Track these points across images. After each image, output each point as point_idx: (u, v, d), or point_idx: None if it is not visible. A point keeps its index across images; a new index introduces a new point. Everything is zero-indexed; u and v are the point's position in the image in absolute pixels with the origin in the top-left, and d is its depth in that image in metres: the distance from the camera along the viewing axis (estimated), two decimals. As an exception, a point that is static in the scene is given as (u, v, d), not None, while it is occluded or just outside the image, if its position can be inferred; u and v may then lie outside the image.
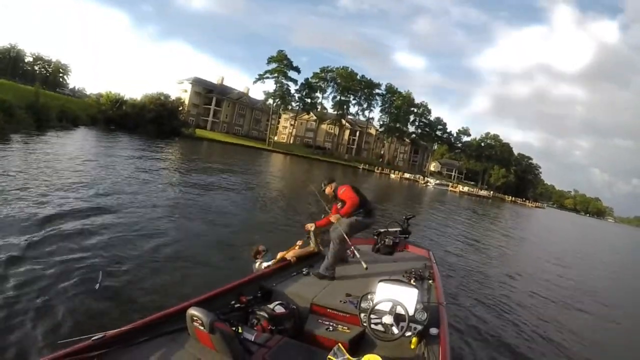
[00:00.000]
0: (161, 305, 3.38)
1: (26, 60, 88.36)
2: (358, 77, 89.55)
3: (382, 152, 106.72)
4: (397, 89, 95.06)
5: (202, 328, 2.27)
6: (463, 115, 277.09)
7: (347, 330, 3.17)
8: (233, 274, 4.72)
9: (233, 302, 3.30)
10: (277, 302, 3.40)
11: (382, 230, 5.70)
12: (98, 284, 4.71)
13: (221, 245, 7.73)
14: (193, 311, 2.32)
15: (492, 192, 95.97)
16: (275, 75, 79.26)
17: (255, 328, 3.02)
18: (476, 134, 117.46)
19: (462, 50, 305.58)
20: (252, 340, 2.62)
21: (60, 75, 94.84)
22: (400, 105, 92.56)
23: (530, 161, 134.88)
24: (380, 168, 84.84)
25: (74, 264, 5.35)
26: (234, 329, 2.48)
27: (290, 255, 4.74)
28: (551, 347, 5.48)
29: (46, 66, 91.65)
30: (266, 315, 3.16)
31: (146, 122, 43.10)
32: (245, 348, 2.42)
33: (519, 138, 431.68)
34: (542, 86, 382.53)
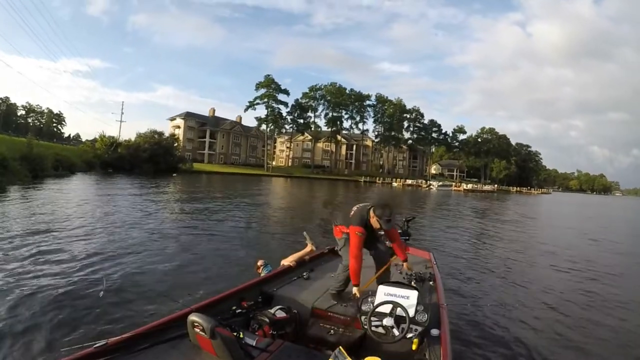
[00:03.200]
0: (163, 312, 3.51)
1: (19, 114, 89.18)
2: (347, 91, 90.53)
3: (381, 163, 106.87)
4: (387, 97, 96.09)
5: (203, 334, 2.27)
6: (455, 114, 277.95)
7: (348, 334, 3.18)
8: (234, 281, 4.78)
9: (234, 307, 3.30)
10: (278, 307, 3.40)
11: (381, 233, 5.55)
12: (102, 292, 4.90)
13: (224, 259, 7.84)
14: (194, 317, 2.33)
15: (496, 185, 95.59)
16: (265, 100, 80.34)
17: (257, 333, 2.97)
18: (471, 130, 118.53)
19: (445, 50, 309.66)
20: (254, 345, 2.58)
21: (54, 124, 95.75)
22: (392, 113, 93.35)
23: (529, 149, 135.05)
24: (381, 178, 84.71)
25: (79, 277, 5.67)
26: (235, 334, 2.45)
27: (290, 260, 4.69)
28: (555, 345, 5.28)
29: (39, 117, 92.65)
30: (267, 320, 3.13)
31: (142, 161, 43.31)
32: (247, 353, 2.39)
33: (514, 128, 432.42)
34: (528, 73, 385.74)
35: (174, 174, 44.88)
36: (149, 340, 2.55)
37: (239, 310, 3.28)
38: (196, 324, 2.32)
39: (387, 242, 5.60)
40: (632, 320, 6.63)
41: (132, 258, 7.23)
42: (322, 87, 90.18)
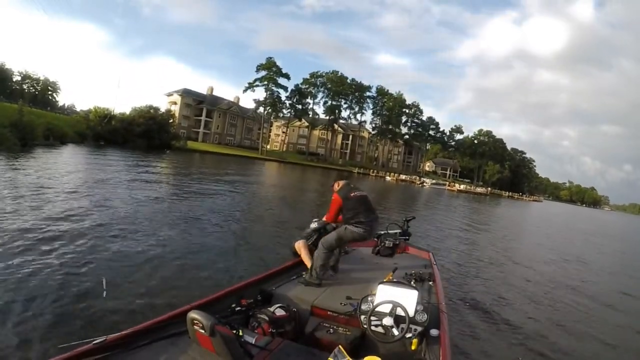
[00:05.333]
0: (163, 309, 3.44)
1: (14, 79, 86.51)
2: (348, 80, 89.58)
3: (375, 155, 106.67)
4: (387, 90, 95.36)
5: (202, 331, 2.26)
6: (447, 112, 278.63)
7: (348, 333, 3.18)
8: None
9: (234, 305, 3.29)
10: (277, 305, 3.38)
11: (382, 232, 5.70)
12: (105, 291, 4.85)
13: (223, 250, 7.76)
14: (193, 314, 2.31)
15: (488, 188, 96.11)
16: (265, 82, 79.10)
17: (256, 331, 2.97)
18: (464, 130, 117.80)
19: (438, 44, 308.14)
20: (253, 343, 2.58)
21: (50, 92, 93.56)
22: (392, 107, 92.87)
23: (524, 155, 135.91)
24: (375, 171, 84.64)
25: (76, 271, 5.50)
26: (234, 332, 2.43)
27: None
28: (555, 345, 5.36)
29: (35, 84, 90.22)
30: (267, 318, 3.12)
31: (135, 136, 42.55)
32: (246, 351, 2.39)
33: (506, 131, 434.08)
34: (523, 75, 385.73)
35: (167, 151, 44.24)
36: (148, 337, 2.55)
37: (238, 308, 3.26)
38: (196, 322, 2.29)
39: (387, 243, 5.53)
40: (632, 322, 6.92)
41: (127, 248, 6.91)
42: (323, 74, 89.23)
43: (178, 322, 2.64)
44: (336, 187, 4.50)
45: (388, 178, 77.94)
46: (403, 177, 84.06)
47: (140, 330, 2.55)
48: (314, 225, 4.73)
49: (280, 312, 3.26)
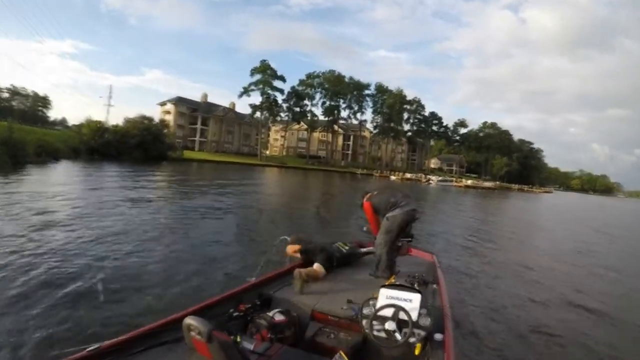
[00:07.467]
0: (159, 315, 3.36)
1: (2, 96, 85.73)
2: (346, 79, 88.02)
3: (378, 155, 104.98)
4: (387, 87, 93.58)
5: (199, 337, 2.22)
6: (448, 105, 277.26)
7: (349, 338, 3.09)
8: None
9: (231, 310, 3.24)
10: (276, 310, 3.29)
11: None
12: (101, 295, 4.92)
13: (224, 257, 7.67)
14: (190, 320, 2.28)
15: (497, 182, 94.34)
16: (261, 86, 77.84)
17: (255, 337, 2.93)
18: (469, 122, 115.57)
19: (433, 35, 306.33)
20: (252, 349, 2.54)
21: (40, 108, 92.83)
22: (392, 104, 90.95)
23: (531, 146, 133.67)
24: (379, 171, 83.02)
25: (72, 277, 5.61)
26: (232, 337, 2.39)
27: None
28: (564, 351, 5.08)
29: (24, 101, 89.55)
30: (265, 324, 3.03)
31: (130, 148, 42.07)
32: (245, 357, 2.35)
33: (511, 122, 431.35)
34: (523, 63, 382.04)
35: (163, 162, 43.22)
36: (143, 343, 2.51)
37: (236, 314, 3.21)
38: (192, 327, 2.23)
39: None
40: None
41: (123, 259, 6.86)
42: (320, 74, 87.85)
43: (174, 329, 2.56)
44: (364, 201, 4.85)
45: (393, 177, 76.40)
46: (408, 175, 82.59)
47: (135, 337, 2.50)
48: (367, 249, 5.15)
49: (279, 317, 3.15)
